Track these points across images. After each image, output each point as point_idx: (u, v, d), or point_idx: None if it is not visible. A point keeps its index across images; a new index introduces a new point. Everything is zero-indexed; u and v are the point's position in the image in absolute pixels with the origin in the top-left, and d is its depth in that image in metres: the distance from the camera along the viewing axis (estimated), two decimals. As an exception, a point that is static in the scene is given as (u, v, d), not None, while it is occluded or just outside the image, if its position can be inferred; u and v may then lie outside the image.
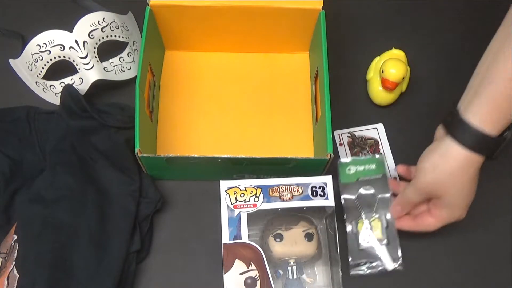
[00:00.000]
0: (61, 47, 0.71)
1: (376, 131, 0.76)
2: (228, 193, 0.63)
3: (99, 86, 0.74)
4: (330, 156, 0.62)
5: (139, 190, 0.67)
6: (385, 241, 0.64)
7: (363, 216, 0.65)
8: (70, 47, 0.71)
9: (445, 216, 0.59)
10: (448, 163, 0.55)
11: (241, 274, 0.60)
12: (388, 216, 0.64)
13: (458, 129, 0.54)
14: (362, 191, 0.66)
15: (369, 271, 0.64)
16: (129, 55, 0.77)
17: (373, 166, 0.67)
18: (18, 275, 0.61)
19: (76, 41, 0.71)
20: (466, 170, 0.55)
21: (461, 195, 0.57)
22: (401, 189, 0.65)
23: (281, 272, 0.65)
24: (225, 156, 0.62)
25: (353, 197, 0.66)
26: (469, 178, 0.56)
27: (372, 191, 0.66)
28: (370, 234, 0.64)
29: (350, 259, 0.64)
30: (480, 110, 0.53)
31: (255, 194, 0.63)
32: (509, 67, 0.50)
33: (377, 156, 0.67)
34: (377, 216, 0.64)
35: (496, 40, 0.54)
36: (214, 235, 0.64)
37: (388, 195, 0.65)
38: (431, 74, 0.79)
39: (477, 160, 0.54)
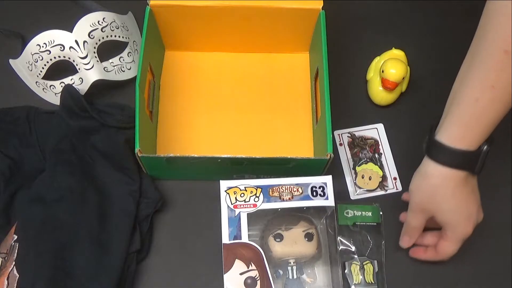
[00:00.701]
0: (61, 47, 0.71)
1: (376, 131, 0.76)
2: (228, 193, 0.63)
3: (99, 86, 0.74)
4: (330, 156, 0.62)
5: (139, 190, 0.67)
6: (375, 285, 0.66)
7: (357, 259, 0.67)
8: (70, 47, 0.71)
9: (451, 235, 0.61)
10: (428, 182, 0.58)
11: (241, 274, 0.60)
12: (378, 261, 0.67)
13: (432, 148, 0.57)
14: (357, 235, 0.68)
15: None
16: (129, 55, 0.77)
17: (369, 214, 0.68)
18: (18, 275, 0.61)
19: (76, 41, 0.71)
20: (446, 185, 0.57)
21: (451, 210, 0.59)
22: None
23: (281, 272, 0.65)
24: (225, 156, 0.62)
25: (349, 240, 0.67)
26: (452, 193, 0.58)
27: (366, 237, 0.68)
28: (362, 276, 0.66)
29: None
30: (450, 130, 0.56)
31: (255, 194, 0.63)
32: (475, 89, 0.53)
33: (374, 205, 0.69)
34: (369, 260, 0.67)
35: (465, 63, 0.56)
36: (214, 235, 0.64)
37: (381, 242, 0.68)
38: (431, 74, 0.79)
39: (456, 175, 0.57)
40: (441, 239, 0.62)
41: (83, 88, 0.72)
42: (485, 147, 0.56)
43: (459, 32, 0.82)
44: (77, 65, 0.72)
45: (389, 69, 0.72)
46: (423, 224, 0.62)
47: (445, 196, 0.58)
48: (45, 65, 0.72)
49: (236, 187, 0.63)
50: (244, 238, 0.61)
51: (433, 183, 0.57)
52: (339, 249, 0.67)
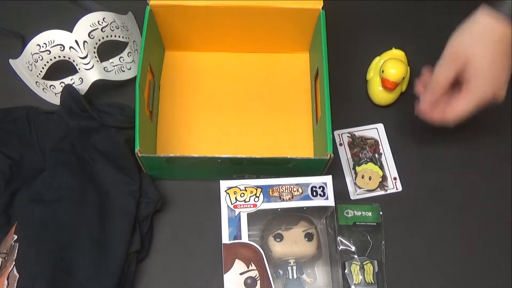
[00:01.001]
0: (61, 47, 0.71)
1: (376, 131, 0.76)
2: (228, 193, 0.63)
3: (99, 86, 0.74)
4: (330, 156, 0.62)
5: (139, 190, 0.67)
6: (375, 285, 0.66)
7: (357, 259, 0.67)
8: (70, 47, 0.71)
9: (471, 92, 0.59)
10: (473, 26, 0.59)
11: (241, 274, 0.60)
12: (378, 261, 0.67)
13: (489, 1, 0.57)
14: (357, 235, 0.68)
15: None
16: (129, 55, 0.77)
17: (369, 214, 0.68)
18: (18, 275, 0.61)
19: (76, 41, 0.71)
20: (491, 34, 0.57)
21: (485, 62, 0.58)
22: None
23: (281, 272, 0.65)
24: (225, 156, 0.62)
25: (349, 240, 0.68)
26: (494, 46, 0.57)
27: (366, 237, 0.68)
28: (362, 276, 0.66)
29: None
30: None
31: (255, 194, 0.63)
32: None
33: (374, 205, 0.69)
34: (369, 260, 0.67)
35: None
36: (214, 235, 0.64)
37: (381, 242, 0.68)
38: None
39: (503, 31, 0.57)
40: (458, 94, 0.60)
41: (83, 88, 0.72)
42: None
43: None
44: (77, 65, 0.72)
45: (389, 69, 0.72)
46: (450, 80, 0.61)
47: (486, 46, 0.58)
48: (45, 65, 0.72)
49: (236, 187, 0.63)
50: (244, 238, 0.61)
51: (477, 29, 0.58)
52: (339, 249, 0.67)
